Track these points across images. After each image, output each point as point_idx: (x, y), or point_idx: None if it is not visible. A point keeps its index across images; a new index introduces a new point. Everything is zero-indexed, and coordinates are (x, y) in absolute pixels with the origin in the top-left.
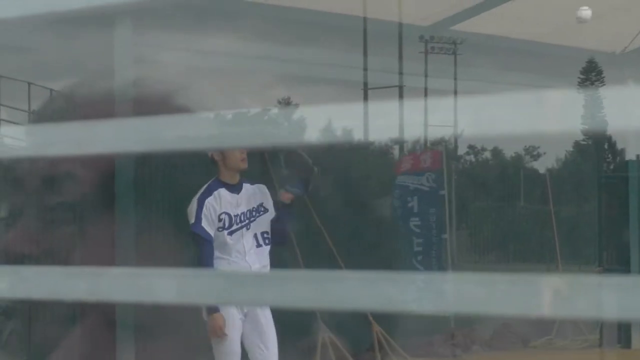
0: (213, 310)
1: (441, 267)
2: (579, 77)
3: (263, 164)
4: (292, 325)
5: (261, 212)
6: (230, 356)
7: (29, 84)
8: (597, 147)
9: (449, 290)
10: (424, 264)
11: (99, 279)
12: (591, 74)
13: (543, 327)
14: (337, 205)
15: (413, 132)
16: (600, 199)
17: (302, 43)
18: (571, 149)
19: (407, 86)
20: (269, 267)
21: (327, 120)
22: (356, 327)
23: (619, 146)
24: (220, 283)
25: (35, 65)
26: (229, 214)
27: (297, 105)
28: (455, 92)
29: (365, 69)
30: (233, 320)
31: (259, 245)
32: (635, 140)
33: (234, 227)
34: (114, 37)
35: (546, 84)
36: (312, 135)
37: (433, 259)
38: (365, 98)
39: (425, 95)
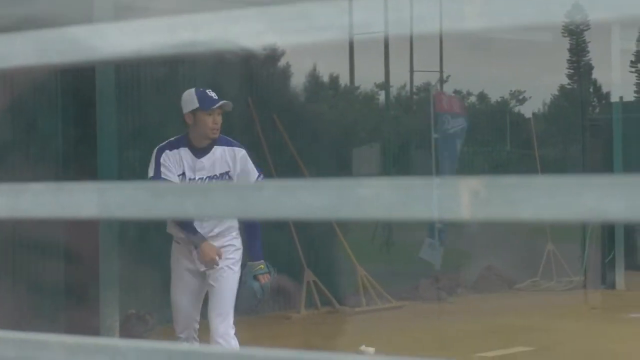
0: (199, 240)
1: None
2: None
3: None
4: (277, 270)
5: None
6: (176, 312)
7: None
8: (581, 91)
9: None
10: None
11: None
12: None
13: (528, 269)
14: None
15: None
16: (584, 142)
17: None
18: (556, 93)
19: (392, 31)
20: (233, 229)
21: (312, 65)
22: (341, 271)
23: (604, 89)
24: (142, 195)
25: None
26: (186, 178)
27: (283, 51)
28: (441, 38)
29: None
30: (180, 275)
31: None
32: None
33: None
34: None
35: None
36: (298, 79)
37: None
38: (351, 44)
39: (411, 40)
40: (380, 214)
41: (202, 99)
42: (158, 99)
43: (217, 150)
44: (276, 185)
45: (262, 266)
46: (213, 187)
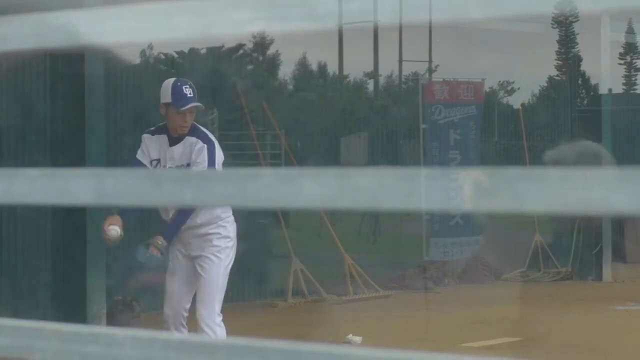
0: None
1: None
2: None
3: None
4: (265, 259)
5: None
6: (167, 296)
7: None
8: (570, 82)
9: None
10: None
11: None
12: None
13: (515, 260)
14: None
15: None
16: (573, 134)
17: None
18: (545, 84)
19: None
20: (219, 218)
21: (302, 54)
22: (329, 260)
23: (592, 81)
24: (141, 183)
25: None
26: (160, 165)
27: (272, 39)
28: (430, 28)
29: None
30: (175, 257)
31: None
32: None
33: None
34: None
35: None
36: (288, 68)
37: None
38: (340, 33)
39: (400, 31)
40: (378, 204)
41: (176, 96)
42: (148, 85)
43: (187, 141)
44: (274, 174)
45: (160, 242)
46: (211, 175)
